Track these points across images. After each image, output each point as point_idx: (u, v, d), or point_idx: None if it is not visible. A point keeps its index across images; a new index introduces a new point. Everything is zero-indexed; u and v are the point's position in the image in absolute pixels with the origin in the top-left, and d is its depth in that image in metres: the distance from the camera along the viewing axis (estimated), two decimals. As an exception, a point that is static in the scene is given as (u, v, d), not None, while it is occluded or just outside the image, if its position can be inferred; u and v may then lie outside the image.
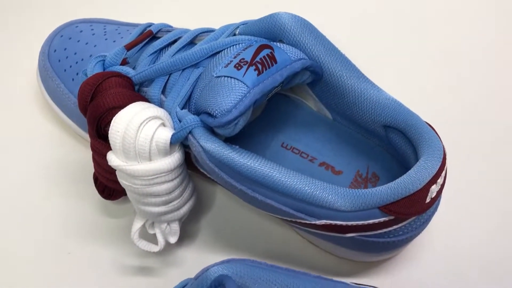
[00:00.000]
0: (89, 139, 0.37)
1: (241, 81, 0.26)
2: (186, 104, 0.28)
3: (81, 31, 0.37)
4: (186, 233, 0.35)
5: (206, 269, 0.23)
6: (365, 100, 0.30)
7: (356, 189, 0.27)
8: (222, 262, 0.24)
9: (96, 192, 0.35)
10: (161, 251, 0.35)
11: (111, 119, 0.27)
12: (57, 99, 0.37)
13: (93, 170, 0.34)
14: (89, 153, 0.38)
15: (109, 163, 0.27)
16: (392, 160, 0.34)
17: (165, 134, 0.26)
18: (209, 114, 0.26)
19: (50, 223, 0.36)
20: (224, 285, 0.21)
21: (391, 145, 0.32)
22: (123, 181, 0.28)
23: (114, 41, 0.35)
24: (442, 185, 0.28)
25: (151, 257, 0.35)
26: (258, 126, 0.36)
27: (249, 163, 0.27)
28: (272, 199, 0.28)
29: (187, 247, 0.35)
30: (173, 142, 0.26)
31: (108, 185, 0.32)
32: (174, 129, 0.27)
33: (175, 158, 0.27)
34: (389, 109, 0.30)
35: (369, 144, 0.34)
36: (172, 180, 0.28)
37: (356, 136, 0.35)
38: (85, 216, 0.36)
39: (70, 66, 0.36)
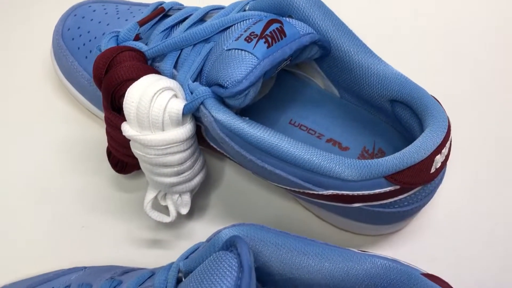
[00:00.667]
0: (102, 117, 0.38)
1: (251, 53, 0.27)
2: (198, 77, 0.29)
3: (94, 11, 0.38)
4: (197, 207, 0.36)
5: (218, 232, 0.24)
6: (372, 74, 0.31)
7: (362, 160, 0.28)
8: (233, 225, 0.25)
9: (109, 168, 0.36)
10: (172, 224, 0.36)
11: (125, 91, 0.27)
12: (71, 77, 0.38)
13: (106, 147, 0.35)
14: (102, 131, 0.39)
15: (124, 133, 0.28)
16: (398, 136, 0.34)
17: (178, 104, 0.27)
18: (220, 85, 0.27)
19: (64, 198, 0.37)
20: (236, 245, 0.22)
21: (397, 120, 0.32)
22: (136, 151, 0.29)
23: (126, 20, 0.36)
24: (447, 156, 0.28)
25: (163, 230, 0.36)
26: (266, 103, 0.37)
27: (258, 134, 0.27)
28: (280, 169, 0.28)
29: (198, 220, 0.36)
30: (185, 112, 0.27)
31: (121, 158, 0.33)
32: (186, 100, 0.28)
33: (187, 129, 0.28)
34: (396, 83, 0.30)
35: (376, 120, 0.35)
36: (184, 150, 0.29)
37: (363, 112, 0.35)
38: (98, 191, 0.37)
39: (84, 44, 0.36)
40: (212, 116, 0.27)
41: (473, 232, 0.35)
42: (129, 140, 0.30)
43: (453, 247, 0.35)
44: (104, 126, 0.35)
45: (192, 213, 0.36)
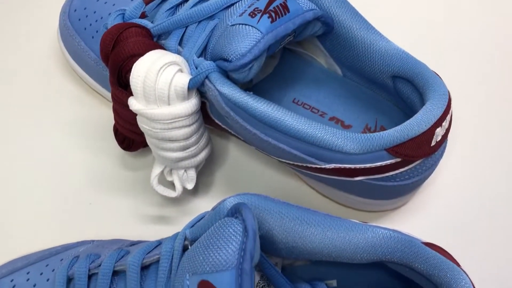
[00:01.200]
0: (108, 96, 0.39)
1: (255, 28, 0.27)
2: (202, 53, 0.30)
3: (100, -9, 0.38)
4: (202, 183, 0.37)
5: (223, 201, 0.25)
6: (374, 50, 0.31)
7: (364, 134, 0.28)
8: (238, 194, 0.25)
9: (116, 146, 0.37)
10: (178, 200, 0.37)
11: (132, 66, 0.28)
12: (78, 57, 0.38)
13: (112, 127, 0.36)
14: (108, 110, 0.40)
15: (130, 107, 0.29)
16: (400, 114, 0.35)
17: (183, 79, 0.28)
18: (225, 59, 0.27)
19: (72, 176, 0.38)
20: (241, 212, 0.23)
21: (399, 97, 0.33)
22: (143, 125, 0.29)
23: (132, 0, 0.37)
24: (447, 130, 0.29)
25: (169, 206, 0.37)
26: (270, 83, 0.37)
27: (262, 107, 0.28)
28: (284, 144, 0.29)
29: (203, 196, 0.37)
30: (190, 86, 0.28)
31: (127, 135, 0.34)
32: (191, 75, 0.29)
33: (192, 103, 0.29)
34: (397, 58, 0.31)
35: (378, 98, 0.36)
36: (189, 125, 0.29)
37: (365, 91, 0.36)
38: (105, 169, 0.38)
39: (90, 24, 0.37)
40: (217, 89, 0.28)
41: (474, 207, 0.36)
42: (136, 117, 0.31)
43: (455, 223, 0.35)
44: (111, 105, 0.36)
45: (197, 189, 0.37)
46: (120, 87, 0.30)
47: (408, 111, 0.33)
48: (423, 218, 0.36)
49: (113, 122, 0.35)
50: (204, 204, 0.36)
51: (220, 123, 0.33)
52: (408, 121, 0.28)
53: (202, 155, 0.32)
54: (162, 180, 0.34)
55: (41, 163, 0.38)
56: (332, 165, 0.29)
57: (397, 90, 0.32)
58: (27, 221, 0.36)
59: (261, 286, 0.29)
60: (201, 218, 0.26)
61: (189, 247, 0.25)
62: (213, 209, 0.25)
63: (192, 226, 0.26)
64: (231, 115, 0.28)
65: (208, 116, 0.33)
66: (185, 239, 0.25)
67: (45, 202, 0.37)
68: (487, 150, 0.38)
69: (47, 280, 0.29)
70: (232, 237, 0.22)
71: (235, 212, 0.23)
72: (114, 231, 0.36)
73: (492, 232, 0.35)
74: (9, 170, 0.38)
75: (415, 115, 0.28)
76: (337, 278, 0.31)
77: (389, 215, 0.36)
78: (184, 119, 0.29)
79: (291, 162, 0.31)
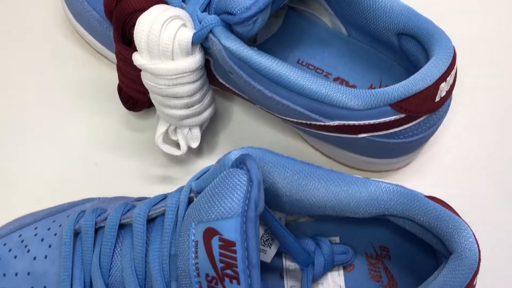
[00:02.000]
0: (112, 58, 0.39)
1: (260, -19, 0.27)
2: (206, 9, 0.29)
3: (102, -50, 0.38)
4: (206, 144, 0.37)
5: (227, 153, 0.25)
6: (379, 7, 0.31)
7: (368, 89, 0.28)
8: (242, 148, 0.26)
9: (121, 108, 0.37)
10: (182, 161, 0.37)
11: (136, 22, 0.28)
12: (81, 17, 0.38)
13: (115, 88, 0.36)
14: (112, 72, 0.40)
15: (135, 63, 0.29)
16: (404, 73, 0.35)
17: (187, 33, 0.28)
18: (229, 13, 0.27)
19: (77, 138, 0.38)
20: (245, 162, 0.23)
21: (404, 55, 0.33)
22: (147, 82, 0.29)
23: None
24: (452, 86, 0.29)
25: (173, 167, 0.37)
26: (274, 43, 0.37)
27: (266, 62, 0.28)
28: (288, 100, 0.29)
29: (207, 157, 0.37)
30: (194, 41, 0.28)
31: (131, 95, 0.34)
32: (195, 30, 0.28)
33: (196, 58, 0.29)
34: (402, 15, 0.30)
35: (383, 58, 0.35)
36: (193, 82, 0.29)
37: (370, 50, 0.36)
38: (110, 131, 0.38)
39: (93, -16, 0.37)
40: (221, 43, 0.28)
41: (478, 166, 0.36)
42: (140, 75, 0.31)
43: (458, 183, 0.36)
44: (115, 67, 0.36)
45: (202, 149, 0.37)
46: (124, 43, 0.30)
47: (413, 70, 0.33)
48: (426, 178, 0.36)
49: (117, 83, 0.35)
50: (208, 164, 0.36)
51: (224, 82, 0.33)
52: (412, 76, 0.28)
53: (207, 113, 0.32)
54: (167, 140, 0.35)
55: (46, 125, 0.39)
56: (336, 122, 0.29)
57: (402, 48, 0.32)
58: (33, 181, 0.37)
59: (265, 239, 0.29)
60: (206, 171, 0.26)
61: (195, 199, 0.25)
62: (218, 161, 0.25)
63: (198, 178, 0.26)
64: (235, 70, 0.28)
65: (212, 76, 0.33)
66: (191, 191, 0.26)
67: (51, 163, 0.37)
68: (491, 108, 0.38)
69: (55, 234, 0.29)
70: (237, 186, 0.22)
71: (240, 163, 0.24)
72: (119, 191, 0.36)
73: (495, 190, 0.35)
74: (14, 132, 0.38)
75: (420, 70, 0.28)
76: (339, 235, 0.32)
77: (392, 175, 0.36)
78: (188, 75, 0.29)
79: (295, 120, 0.31)
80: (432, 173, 0.36)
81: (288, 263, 0.32)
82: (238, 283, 0.21)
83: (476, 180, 0.36)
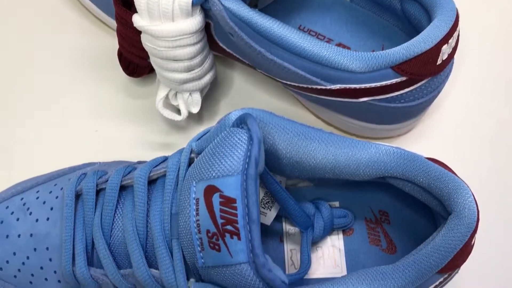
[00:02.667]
0: (112, 25, 0.38)
1: None
2: (207, -30, 0.29)
3: None
4: (207, 112, 0.37)
5: (228, 114, 0.25)
6: (382, -30, 0.31)
7: (370, 52, 0.28)
8: (243, 108, 0.25)
9: (120, 76, 0.37)
10: (183, 128, 0.37)
11: (135, -17, 0.28)
12: (80, -18, 0.38)
13: (116, 56, 0.36)
14: (112, 39, 0.40)
15: (135, 24, 0.28)
16: (406, 39, 0.34)
17: (187, -7, 0.27)
18: (230, -27, 0.27)
19: (77, 105, 0.38)
20: (246, 122, 0.23)
21: (406, 19, 0.32)
22: (147, 44, 0.29)
23: None
24: (454, 49, 0.29)
25: (174, 134, 0.37)
26: (275, 9, 0.37)
27: (268, 23, 0.28)
28: (289, 63, 0.29)
29: (207, 124, 0.37)
30: (194, 2, 0.27)
31: (132, 60, 0.33)
32: (196, -9, 0.28)
33: (197, 20, 0.28)
34: (406, -23, 0.30)
35: (385, 24, 0.35)
36: (193, 44, 0.29)
37: (372, 16, 0.35)
38: (110, 98, 0.38)
39: None
40: (222, 4, 0.27)
41: (480, 133, 0.36)
42: (140, 39, 0.30)
43: (460, 150, 0.36)
44: (115, 34, 0.35)
45: (202, 117, 0.37)
46: (124, 6, 0.30)
47: (415, 35, 0.33)
48: (427, 144, 0.36)
49: (117, 51, 0.34)
50: (209, 131, 0.37)
51: (225, 47, 0.33)
52: (414, 38, 0.27)
53: (207, 78, 0.32)
54: (168, 106, 0.35)
55: (46, 92, 0.39)
56: (337, 86, 0.29)
57: (405, 12, 0.32)
58: (34, 148, 0.37)
59: (265, 202, 0.29)
60: (207, 132, 0.26)
61: (195, 159, 0.25)
62: (218, 122, 0.25)
63: (198, 139, 0.26)
64: (236, 31, 0.28)
65: (212, 40, 0.33)
66: (191, 152, 0.26)
67: (51, 129, 0.37)
68: (494, 74, 0.38)
69: (56, 197, 0.30)
70: (238, 144, 0.23)
71: (241, 122, 0.24)
72: (119, 157, 0.36)
73: (498, 154, 0.35)
74: (14, 100, 0.38)
75: (422, 32, 0.27)
76: (339, 200, 0.32)
77: (393, 142, 0.36)
78: (188, 37, 0.28)
79: (296, 84, 0.31)
80: (433, 140, 0.36)
81: (288, 227, 0.32)
82: (239, 239, 0.21)
83: (477, 147, 0.36)
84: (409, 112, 0.31)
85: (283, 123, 0.26)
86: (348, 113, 0.33)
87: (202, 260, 0.22)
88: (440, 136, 0.36)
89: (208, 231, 0.22)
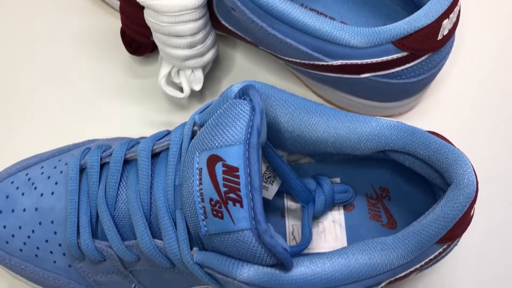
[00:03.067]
0: (115, 5, 0.38)
1: None
2: None
3: None
4: (208, 91, 0.38)
5: (230, 86, 0.25)
6: None
7: (371, 28, 0.28)
8: (245, 81, 0.26)
9: (123, 55, 0.37)
10: (185, 107, 0.37)
11: (138, -43, 0.28)
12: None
13: (118, 36, 0.36)
14: (115, 20, 0.40)
15: (137, 0, 0.29)
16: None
17: (190, -32, 0.27)
18: None
19: (80, 84, 0.38)
20: (248, 93, 0.23)
21: (408, -3, 0.33)
22: (150, 20, 0.29)
23: None
24: (455, 24, 0.29)
25: (176, 113, 0.37)
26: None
27: (270, -2, 0.28)
28: (291, 38, 0.29)
29: (210, 103, 0.37)
30: (197, -23, 0.28)
31: (134, 38, 0.34)
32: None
33: (199, -5, 0.29)
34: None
35: (386, 2, 0.35)
36: (195, 20, 0.29)
37: (374, -5, 0.35)
38: (113, 77, 0.39)
39: None
40: (224, -22, 0.28)
41: (480, 111, 0.36)
42: (143, 16, 0.31)
43: (459, 128, 0.36)
44: (117, 14, 0.36)
45: (204, 96, 0.37)
46: (127, -18, 0.30)
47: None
48: (428, 122, 0.36)
49: (119, 31, 0.35)
50: (211, 109, 0.37)
51: (227, 25, 0.33)
52: (415, 13, 0.28)
53: (209, 55, 0.32)
54: (170, 84, 0.35)
55: (49, 72, 0.39)
56: (338, 62, 0.30)
57: (406, -11, 0.32)
58: (37, 127, 0.37)
59: (267, 176, 0.30)
60: (209, 105, 0.26)
61: (198, 132, 0.25)
62: (221, 95, 0.26)
63: (201, 112, 0.26)
64: (238, 6, 0.28)
65: (214, 18, 0.33)
66: (194, 124, 0.26)
67: (54, 108, 0.38)
68: (493, 52, 0.38)
69: (61, 172, 0.30)
70: (240, 115, 0.23)
71: (243, 94, 0.24)
72: (122, 135, 0.36)
73: (497, 135, 0.36)
74: (17, 79, 0.39)
75: (423, 7, 0.28)
76: (340, 176, 0.32)
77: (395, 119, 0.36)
78: (191, 12, 0.29)
79: (298, 61, 0.31)
80: (434, 119, 0.36)
81: (289, 203, 0.32)
82: (241, 206, 0.22)
83: (479, 125, 0.36)
84: (410, 89, 0.31)
85: (284, 96, 0.26)
86: (350, 91, 0.33)
87: (205, 228, 0.23)
88: (441, 114, 0.36)
89: (211, 199, 0.22)
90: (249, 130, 0.22)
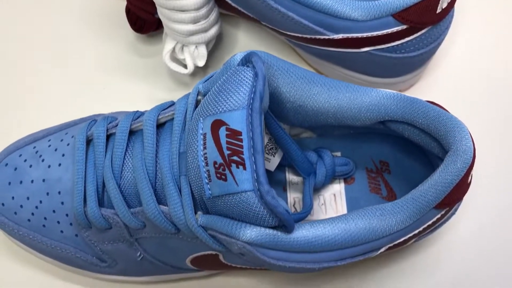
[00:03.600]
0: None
1: None
2: None
3: None
4: (212, 70, 0.38)
5: (233, 56, 0.26)
6: None
7: (371, 1, 0.29)
8: (247, 50, 0.26)
9: (128, 34, 0.38)
10: (189, 85, 0.38)
11: None
12: None
13: (123, 14, 0.36)
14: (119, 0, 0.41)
15: (143, -27, 0.29)
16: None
17: None
18: None
19: (85, 63, 0.39)
20: (251, 60, 0.24)
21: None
22: (155, -6, 0.30)
23: None
24: (454, -2, 0.29)
25: (181, 91, 0.38)
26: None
27: (272, -28, 0.29)
28: (293, 12, 0.30)
29: (213, 80, 0.38)
30: (201, -50, 0.28)
31: (139, 15, 0.34)
32: None
33: (203, -31, 0.29)
34: None
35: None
36: (200, -6, 0.30)
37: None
38: (117, 56, 0.39)
39: None
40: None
41: (480, 87, 0.37)
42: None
43: (460, 105, 0.36)
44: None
45: (207, 75, 0.38)
46: (132, -42, 0.31)
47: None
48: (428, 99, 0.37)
49: (124, 10, 0.35)
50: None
51: (230, 1, 0.34)
52: (415, -14, 0.28)
53: (212, 31, 0.33)
54: (174, 61, 0.35)
55: (54, 50, 0.39)
56: (339, 35, 0.30)
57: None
58: (42, 105, 0.38)
59: (269, 148, 0.30)
60: (213, 75, 0.27)
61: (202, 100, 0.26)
62: (224, 64, 0.26)
63: (205, 82, 0.27)
64: (241, -20, 0.29)
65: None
66: (198, 93, 0.26)
67: (59, 86, 0.38)
68: (493, 28, 0.38)
69: (67, 144, 0.31)
70: (243, 81, 0.23)
71: (246, 62, 0.25)
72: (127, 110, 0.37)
73: (497, 111, 0.36)
74: (24, 57, 0.39)
75: (422, -20, 0.28)
76: (341, 150, 0.33)
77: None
78: (195, -14, 0.29)
79: (299, 35, 0.32)
80: (434, 96, 0.36)
81: (291, 177, 0.33)
82: (244, 168, 0.22)
83: (478, 103, 0.37)
84: (410, 64, 0.32)
85: (286, 66, 0.27)
86: (350, 66, 0.33)
87: (210, 192, 0.23)
88: (440, 92, 0.37)
89: (215, 163, 0.23)
90: (252, 95, 0.23)
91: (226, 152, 0.22)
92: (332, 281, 0.33)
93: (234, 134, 0.23)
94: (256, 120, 0.23)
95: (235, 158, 0.22)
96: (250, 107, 0.23)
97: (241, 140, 0.22)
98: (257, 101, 0.23)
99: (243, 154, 0.22)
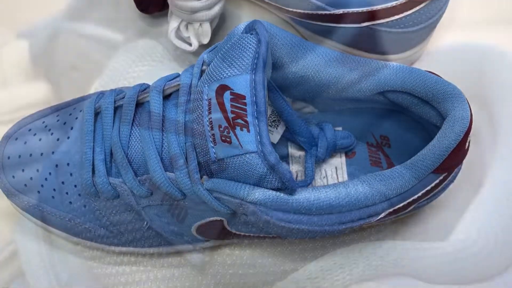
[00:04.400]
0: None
1: None
2: None
3: None
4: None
5: (237, 26, 0.27)
6: None
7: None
8: (250, 20, 0.27)
9: (132, 16, 0.38)
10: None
11: None
12: None
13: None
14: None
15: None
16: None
17: None
18: None
19: (89, 43, 0.40)
20: (255, 27, 0.25)
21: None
22: (161, -30, 0.31)
23: None
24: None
25: (184, 71, 0.39)
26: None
27: None
28: (295, -13, 0.31)
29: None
30: None
31: (145, -5, 0.35)
32: None
33: None
34: None
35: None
36: (204, -30, 0.31)
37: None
38: (122, 38, 0.40)
39: None
40: None
41: (479, 65, 0.37)
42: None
43: (463, 77, 0.37)
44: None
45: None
46: None
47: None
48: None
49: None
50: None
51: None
52: (413, -40, 0.29)
53: (216, 8, 0.34)
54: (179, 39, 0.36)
55: (59, 29, 0.40)
56: (340, 10, 0.31)
57: None
58: (48, 83, 0.39)
59: (272, 120, 0.31)
60: (217, 45, 0.28)
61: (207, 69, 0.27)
62: (228, 34, 0.27)
63: (210, 52, 0.27)
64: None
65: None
66: (203, 63, 0.27)
67: (61, 63, 0.39)
68: (493, 4, 0.39)
69: (76, 118, 0.32)
70: (247, 47, 0.24)
71: (249, 30, 0.25)
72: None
73: (497, 90, 0.37)
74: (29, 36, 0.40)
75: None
76: (342, 125, 0.34)
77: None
78: (199, -37, 0.30)
79: (301, 11, 0.32)
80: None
81: (293, 151, 0.34)
82: (248, 131, 0.23)
83: (478, 81, 0.37)
84: (409, 39, 0.33)
85: (289, 37, 0.28)
86: (351, 43, 0.34)
87: (215, 155, 0.24)
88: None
89: (220, 126, 0.24)
90: (255, 60, 0.24)
91: (231, 115, 0.23)
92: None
93: (238, 98, 0.23)
94: (260, 84, 0.23)
95: (239, 121, 0.23)
96: (254, 71, 0.24)
97: (244, 104, 0.23)
98: (260, 66, 0.23)
99: (246, 117, 0.23)
